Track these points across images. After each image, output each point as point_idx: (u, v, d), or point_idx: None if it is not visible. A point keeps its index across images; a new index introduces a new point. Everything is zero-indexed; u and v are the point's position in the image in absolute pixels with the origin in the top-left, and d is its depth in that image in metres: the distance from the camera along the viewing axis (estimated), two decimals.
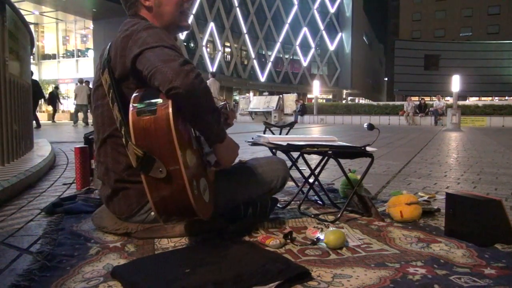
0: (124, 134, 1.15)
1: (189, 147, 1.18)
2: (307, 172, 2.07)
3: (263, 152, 4.34)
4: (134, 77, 1.24)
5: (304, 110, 19.24)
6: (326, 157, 1.88)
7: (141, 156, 1.08)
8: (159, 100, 1.11)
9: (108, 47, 1.33)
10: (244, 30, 35.34)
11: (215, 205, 1.31)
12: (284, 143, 1.73)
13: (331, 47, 45.37)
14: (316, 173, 1.94)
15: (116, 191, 1.37)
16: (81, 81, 13.58)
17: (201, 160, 1.27)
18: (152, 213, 1.36)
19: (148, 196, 1.11)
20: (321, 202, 1.98)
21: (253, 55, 36.46)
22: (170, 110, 1.08)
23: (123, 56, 1.24)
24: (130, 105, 1.12)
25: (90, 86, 13.13)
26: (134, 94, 1.15)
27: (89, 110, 13.33)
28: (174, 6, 1.39)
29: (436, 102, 17.00)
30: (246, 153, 4.26)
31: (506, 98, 31.51)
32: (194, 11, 29.74)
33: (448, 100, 20.59)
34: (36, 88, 10.09)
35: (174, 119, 1.08)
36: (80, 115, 13.23)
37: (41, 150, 3.86)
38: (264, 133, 3.78)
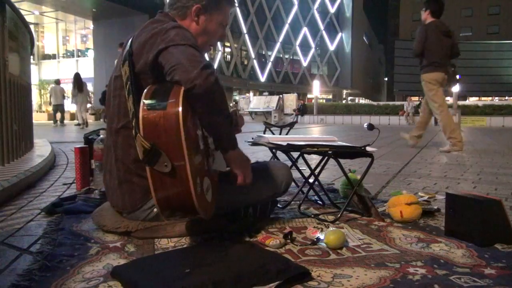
0: (134, 125, 1.16)
1: (196, 145, 1.19)
2: (307, 172, 2.07)
3: (263, 152, 4.35)
4: (153, 72, 1.27)
5: (304, 110, 19.24)
6: (326, 157, 1.89)
7: (148, 148, 1.09)
8: (170, 98, 1.12)
9: (130, 41, 1.36)
10: (244, 30, 35.32)
11: (217, 207, 1.32)
12: (284, 143, 1.73)
13: (331, 47, 45.36)
14: (316, 173, 1.94)
15: (123, 183, 1.38)
16: (57, 82, 13.93)
17: (207, 160, 1.27)
18: (155, 210, 1.37)
19: (152, 189, 1.11)
20: (321, 202, 1.98)
21: (253, 55, 36.45)
22: (180, 108, 1.09)
23: (149, 51, 1.27)
24: (141, 101, 1.14)
25: (64, 86, 13.54)
26: (146, 90, 1.17)
27: (64, 109, 13.82)
28: (215, 38, 1.52)
29: None
30: (246, 153, 4.25)
31: (506, 98, 31.56)
32: None
33: (448, 100, 20.59)
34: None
35: (183, 116, 1.09)
36: (57, 115, 13.54)
37: (41, 150, 3.86)
38: (264, 133, 3.78)
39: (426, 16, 4.70)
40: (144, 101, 1.13)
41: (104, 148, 1.48)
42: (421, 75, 4.80)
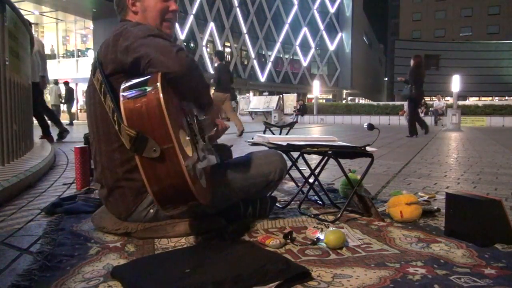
0: (116, 119, 1.16)
1: (182, 128, 1.19)
2: (307, 172, 2.07)
3: None
4: (124, 70, 1.27)
5: (304, 110, 19.23)
6: (326, 157, 1.89)
7: (134, 136, 1.08)
8: (148, 86, 1.13)
9: (97, 51, 1.38)
10: (244, 30, 35.32)
11: (214, 201, 1.31)
12: (284, 143, 1.73)
13: (331, 47, 45.33)
14: (316, 173, 1.94)
15: (113, 191, 1.38)
16: (55, 82, 14.21)
17: (195, 147, 1.27)
18: (151, 210, 1.37)
19: (144, 179, 1.10)
20: (321, 202, 1.98)
21: (253, 55, 36.44)
22: (161, 94, 1.10)
23: (114, 52, 1.28)
24: (120, 94, 1.14)
25: (61, 85, 13.78)
26: (122, 85, 1.17)
27: (62, 110, 14.23)
28: (157, 13, 1.45)
29: (436, 102, 17.01)
30: (246, 153, 4.25)
31: (506, 98, 31.55)
32: (194, 11, 29.72)
33: (448, 100, 20.60)
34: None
35: (165, 102, 1.10)
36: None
37: (41, 150, 3.86)
38: (264, 133, 3.78)
39: (216, 60, 7.80)
40: (123, 94, 1.13)
41: (93, 161, 1.48)
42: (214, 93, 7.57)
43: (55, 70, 25.82)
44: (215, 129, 1.57)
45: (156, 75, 1.15)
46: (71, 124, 13.69)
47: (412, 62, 7.80)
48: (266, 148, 1.77)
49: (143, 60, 1.21)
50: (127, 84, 1.17)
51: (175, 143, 1.08)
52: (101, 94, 1.29)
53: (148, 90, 1.12)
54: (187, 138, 1.21)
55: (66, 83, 14.38)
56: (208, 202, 1.22)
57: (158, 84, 1.12)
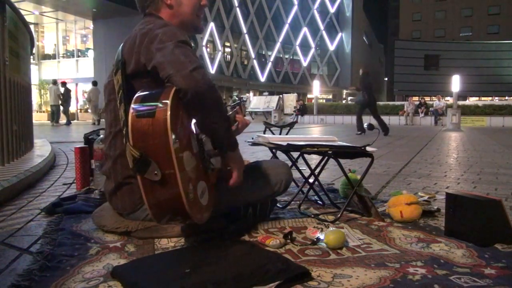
0: (125, 134, 1.16)
1: (188, 149, 1.18)
2: (307, 172, 2.07)
3: (263, 152, 4.34)
4: (146, 74, 1.27)
5: (304, 110, 19.23)
6: (326, 157, 1.89)
7: (138, 157, 1.08)
8: (159, 103, 1.12)
9: (121, 47, 1.35)
10: (244, 30, 35.31)
11: (217, 208, 1.32)
12: (284, 143, 1.73)
13: (331, 47, 45.32)
14: (316, 173, 1.94)
15: (121, 186, 1.38)
16: (54, 82, 14.35)
17: (201, 162, 1.27)
18: None
19: (144, 197, 1.11)
20: (321, 202, 1.98)
21: (253, 55, 36.44)
22: (168, 113, 1.08)
23: (137, 53, 1.28)
24: (131, 105, 1.13)
25: (60, 86, 13.88)
26: (136, 95, 1.17)
27: (61, 110, 14.24)
28: (192, 8, 1.45)
29: (436, 102, 17.01)
30: (246, 153, 4.26)
31: (506, 98, 31.54)
32: None
33: (448, 100, 20.60)
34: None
35: (172, 122, 1.08)
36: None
37: (41, 150, 3.86)
38: (264, 133, 3.78)
39: None
40: (134, 106, 1.12)
41: (103, 154, 1.48)
42: None
43: (55, 70, 25.87)
44: (235, 124, 1.56)
45: (169, 90, 1.13)
46: (68, 124, 13.71)
47: (361, 71, 8.78)
48: (267, 150, 1.76)
49: (161, 73, 1.19)
50: (141, 94, 1.16)
51: (176, 170, 1.08)
52: (118, 99, 1.28)
53: (157, 107, 1.10)
54: (194, 155, 1.20)
55: (63, 83, 14.47)
56: (205, 220, 1.22)
57: (168, 101, 1.10)
